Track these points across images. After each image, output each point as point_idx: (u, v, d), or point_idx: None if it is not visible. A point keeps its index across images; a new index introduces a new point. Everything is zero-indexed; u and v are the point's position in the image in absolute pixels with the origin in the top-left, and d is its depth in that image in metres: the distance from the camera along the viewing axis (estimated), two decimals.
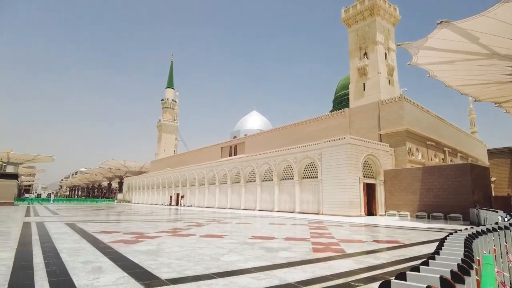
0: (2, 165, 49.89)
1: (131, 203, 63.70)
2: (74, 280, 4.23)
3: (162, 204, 51.69)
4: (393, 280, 1.91)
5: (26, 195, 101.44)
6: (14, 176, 41.72)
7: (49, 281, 4.14)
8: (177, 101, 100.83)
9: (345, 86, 49.87)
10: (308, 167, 27.69)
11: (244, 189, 34.77)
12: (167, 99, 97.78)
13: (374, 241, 9.58)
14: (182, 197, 47.45)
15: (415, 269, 2.11)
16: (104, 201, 68.27)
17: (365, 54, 38.04)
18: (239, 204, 35.04)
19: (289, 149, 29.57)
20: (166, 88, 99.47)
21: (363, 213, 23.74)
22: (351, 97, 38.83)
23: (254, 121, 66.03)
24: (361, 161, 24.66)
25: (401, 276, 1.99)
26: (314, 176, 26.72)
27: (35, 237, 8.69)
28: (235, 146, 50.46)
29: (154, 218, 18.90)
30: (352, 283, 4.38)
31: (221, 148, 53.10)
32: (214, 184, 40.23)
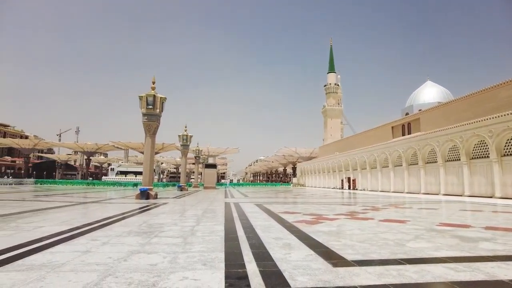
0: (205, 157, 62.56)
1: (304, 186, 67.90)
2: (271, 253, 4.87)
3: (334, 188, 52.73)
4: None
5: (222, 180, 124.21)
6: (214, 166, 51.80)
7: (252, 252, 4.93)
8: (339, 85, 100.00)
9: None
10: (511, 141, 22.22)
11: (423, 171, 31.25)
12: (330, 84, 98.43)
13: None
14: (354, 180, 46.98)
15: None
16: (281, 184, 75.51)
17: None
18: (418, 188, 31.80)
19: (481, 121, 24.47)
20: (327, 73, 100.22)
21: None
22: None
23: (429, 93, 57.78)
24: None
25: None
26: None
27: (235, 215, 10.47)
28: (408, 124, 45.78)
29: (328, 201, 19.49)
30: None
31: (392, 127, 49.27)
32: (387, 166, 37.88)
